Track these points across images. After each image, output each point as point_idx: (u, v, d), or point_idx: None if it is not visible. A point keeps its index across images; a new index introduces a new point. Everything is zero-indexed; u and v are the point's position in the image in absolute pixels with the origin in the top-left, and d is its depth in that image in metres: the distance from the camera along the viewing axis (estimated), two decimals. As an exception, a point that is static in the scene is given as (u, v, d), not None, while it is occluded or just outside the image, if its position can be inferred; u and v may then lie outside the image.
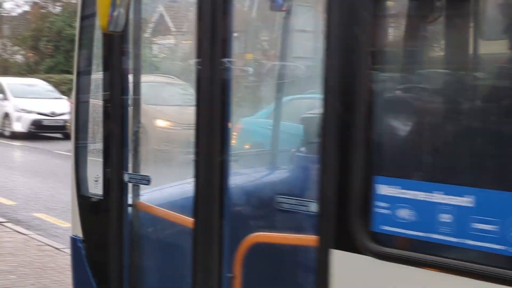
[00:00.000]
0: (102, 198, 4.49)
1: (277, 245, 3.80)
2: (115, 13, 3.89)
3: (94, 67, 4.66)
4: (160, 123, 9.50)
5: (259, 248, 3.74)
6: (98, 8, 3.90)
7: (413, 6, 3.23)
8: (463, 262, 2.75)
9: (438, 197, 2.81)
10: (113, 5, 3.88)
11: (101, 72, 4.46)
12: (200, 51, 3.69)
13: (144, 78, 4.14)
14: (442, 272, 2.79)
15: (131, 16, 4.33)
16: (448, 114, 2.97)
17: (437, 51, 3.29)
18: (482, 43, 3.16)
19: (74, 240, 4.78)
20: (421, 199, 2.85)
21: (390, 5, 3.21)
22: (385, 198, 2.96)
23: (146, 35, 6.90)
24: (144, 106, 4.40)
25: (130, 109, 4.40)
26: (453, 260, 2.78)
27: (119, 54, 4.30)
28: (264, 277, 3.90)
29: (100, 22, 3.91)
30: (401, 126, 3.13)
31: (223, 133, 3.73)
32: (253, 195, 4.27)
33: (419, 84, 3.11)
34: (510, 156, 2.74)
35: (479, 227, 2.70)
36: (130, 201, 4.43)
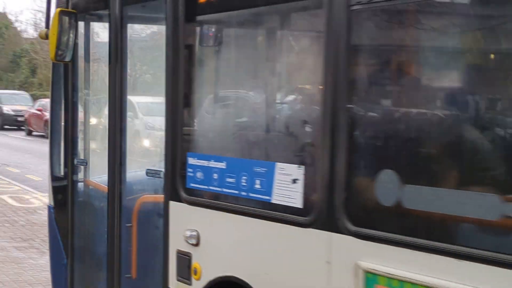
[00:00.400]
0: (63, 176, 6.43)
1: (152, 202, 5.62)
2: (62, 48, 5.81)
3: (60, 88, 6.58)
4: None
5: (145, 206, 5.59)
6: (49, 43, 5.82)
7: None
8: (227, 203, 4.53)
9: (213, 163, 4.61)
10: (59, 41, 5.80)
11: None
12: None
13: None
14: (223, 212, 4.55)
15: (81, 51, 6.24)
16: (219, 118, 4.80)
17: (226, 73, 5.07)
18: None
19: (49, 207, 6.73)
20: (203, 165, 4.66)
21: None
22: (192, 166, 4.77)
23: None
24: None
25: (81, 117, 6.32)
26: (223, 202, 4.57)
27: (71, 79, 6.23)
28: (147, 224, 5.71)
29: (50, 54, 5.85)
30: (199, 124, 4.94)
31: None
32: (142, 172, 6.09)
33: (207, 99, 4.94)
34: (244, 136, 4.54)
35: (230, 181, 4.49)
36: (81, 178, 6.35)
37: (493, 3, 3.43)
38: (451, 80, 3.59)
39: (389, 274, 3.49)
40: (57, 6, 6.27)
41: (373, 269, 3.56)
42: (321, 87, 3.82)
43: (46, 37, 6.00)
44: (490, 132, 3.33)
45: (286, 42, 4.58)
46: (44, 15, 6.31)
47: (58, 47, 5.81)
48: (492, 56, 3.50)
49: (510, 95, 3.27)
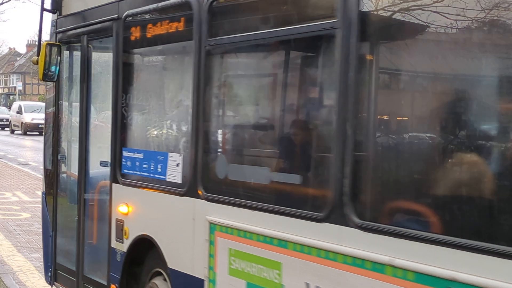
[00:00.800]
0: (51, 169, 8.38)
1: (107, 186, 7.48)
2: (48, 69, 7.75)
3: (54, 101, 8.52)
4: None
5: (102, 189, 7.48)
6: (38, 67, 7.78)
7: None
8: (142, 182, 6.40)
9: (136, 155, 6.49)
10: (47, 65, 7.74)
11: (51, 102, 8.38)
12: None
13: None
14: (146, 189, 6.40)
15: (65, 72, 8.18)
16: (140, 123, 6.68)
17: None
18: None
19: (42, 193, 8.68)
20: (131, 156, 6.54)
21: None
22: (125, 157, 6.66)
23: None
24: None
25: (64, 122, 8.26)
26: (140, 182, 6.43)
27: (57, 95, 8.18)
28: (104, 199, 7.54)
29: (39, 74, 7.82)
30: (129, 126, 6.80)
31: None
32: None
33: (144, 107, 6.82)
34: (157, 134, 6.41)
35: (145, 167, 6.35)
36: (64, 170, 8.29)
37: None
38: (255, 100, 5.47)
39: (221, 223, 5.31)
40: (50, 38, 8.27)
41: (213, 221, 5.39)
42: (190, 102, 5.69)
43: (37, 62, 7.94)
44: (269, 133, 5.20)
45: (172, 69, 6.49)
46: (37, 46, 8.27)
47: (46, 69, 7.77)
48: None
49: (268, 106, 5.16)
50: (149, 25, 6.32)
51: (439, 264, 3.66)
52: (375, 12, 4.24)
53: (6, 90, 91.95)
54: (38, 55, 7.99)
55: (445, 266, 3.63)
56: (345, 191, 4.22)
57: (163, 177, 6.09)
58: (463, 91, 3.89)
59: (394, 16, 4.18)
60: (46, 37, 8.44)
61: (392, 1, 4.18)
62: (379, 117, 4.33)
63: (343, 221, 4.24)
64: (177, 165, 5.90)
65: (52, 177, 8.35)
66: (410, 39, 4.16)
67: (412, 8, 4.05)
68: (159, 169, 6.15)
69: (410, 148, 4.14)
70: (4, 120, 53.36)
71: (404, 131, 4.22)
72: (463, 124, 3.86)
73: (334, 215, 4.31)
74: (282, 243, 4.72)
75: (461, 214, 3.75)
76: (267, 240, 4.86)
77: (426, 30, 3.98)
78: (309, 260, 4.51)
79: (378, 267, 4.01)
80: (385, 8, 4.20)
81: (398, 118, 4.28)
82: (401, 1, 4.15)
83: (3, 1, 40.97)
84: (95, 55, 7.63)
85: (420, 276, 3.76)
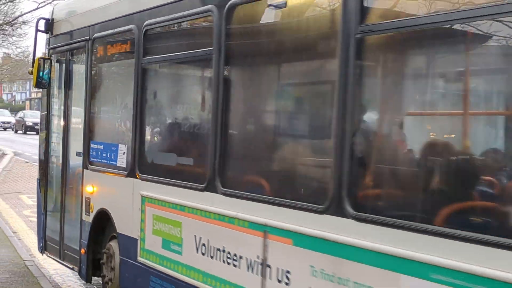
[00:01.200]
0: (43, 160, 10.26)
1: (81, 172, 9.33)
2: (42, 79, 9.64)
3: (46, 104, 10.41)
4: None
5: (79, 175, 9.33)
6: (32, 77, 9.67)
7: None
8: (102, 167, 8.24)
9: (99, 146, 8.34)
10: (39, 73, 9.62)
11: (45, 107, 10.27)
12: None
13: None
14: (105, 173, 8.24)
15: (57, 81, 10.05)
16: (101, 120, 8.54)
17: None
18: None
19: (37, 180, 10.57)
20: (96, 147, 8.38)
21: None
22: (92, 148, 8.51)
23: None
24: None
25: (54, 121, 10.13)
26: (100, 167, 8.27)
27: (47, 99, 10.06)
28: (79, 183, 9.38)
29: (32, 82, 9.71)
30: (95, 124, 8.64)
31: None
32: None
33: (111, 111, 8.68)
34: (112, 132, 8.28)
35: (104, 155, 8.19)
36: (53, 160, 10.17)
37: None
38: (172, 105, 7.30)
39: (149, 196, 7.12)
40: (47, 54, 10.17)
41: (144, 194, 7.20)
42: (133, 105, 7.52)
43: (31, 73, 9.83)
44: (175, 129, 7.03)
45: (123, 80, 8.36)
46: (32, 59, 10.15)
47: (39, 78, 9.65)
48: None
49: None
50: (109, 46, 8.18)
51: (259, 215, 5.44)
52: (234, 44, 6.06)
53: (39, 95, 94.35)
54: (32, 67, 9.88)
55: (263, 216, 5.41)
56: (216, 168, 6.02)
57: (115, 163, 7.92)
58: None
59: (245, 46, 6.02)
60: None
61: (245, 36, 6.01)
62: (234, 115, 6.14)
63: (214, 190, 6.03)
64: (124, 153, 7.73)
65: (43, 167, 10.23)
66: (255, 63, 6.03)
67: (257, 40, 5.90)
68: (112, 157, 7.99)
69: (253, 138, 5.98)
70: (38, 124, 55.64)
71: (250, 125, 6.05)
72: (284, 121, 5.71)
73: (210, 186, 6.10)
74: (182, 208, 6.53)
75: (276, 182, 5.57)
76: (174, 206, 6.67)
77: (263, 57, 5.85)
78: (196, 219, 6.31)
79: (231, 220, 5.80)
80: (239, 40, 6.04)
81: (246, 116, 6.11)
82: (252, 36, 5.99)
83: (38, 6, 42.86)
84: (76, 67, 9.48)
85: (251, 224, 5.56)
